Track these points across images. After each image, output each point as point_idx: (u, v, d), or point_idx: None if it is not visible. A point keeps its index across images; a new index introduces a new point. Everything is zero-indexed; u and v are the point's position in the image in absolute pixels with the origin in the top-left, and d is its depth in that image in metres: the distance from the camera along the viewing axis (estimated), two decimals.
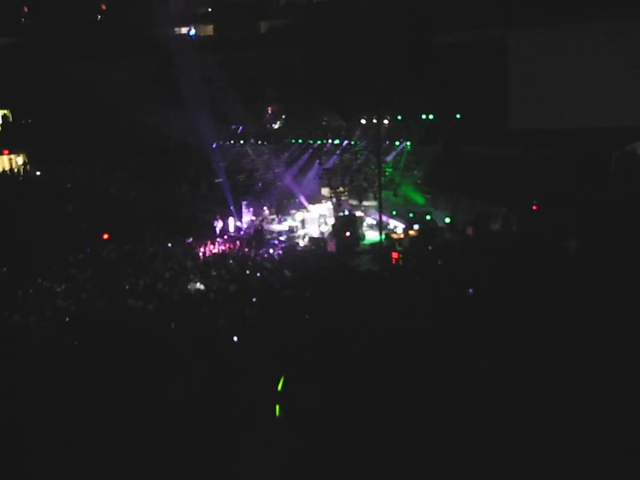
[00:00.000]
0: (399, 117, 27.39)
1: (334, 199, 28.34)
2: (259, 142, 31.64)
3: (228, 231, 28.48)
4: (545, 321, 13.56)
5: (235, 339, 13.20)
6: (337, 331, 13.39)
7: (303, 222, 28.15)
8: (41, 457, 9.15)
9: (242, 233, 28.55)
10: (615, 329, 12.82)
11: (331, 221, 26.99)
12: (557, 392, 10.37)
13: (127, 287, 18.51)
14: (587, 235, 20.43)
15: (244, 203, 29.83)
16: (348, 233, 25.19)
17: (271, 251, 24.91)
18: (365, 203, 27.97)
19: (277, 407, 10.26)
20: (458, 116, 26.49)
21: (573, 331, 12.93)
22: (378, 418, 9.85)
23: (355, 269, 21.89)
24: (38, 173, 31.44)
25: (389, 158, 28.15)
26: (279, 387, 10.67)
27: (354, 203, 28.08)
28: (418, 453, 9.10)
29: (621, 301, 14.60)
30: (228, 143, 32.16)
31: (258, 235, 27.42)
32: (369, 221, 27.81)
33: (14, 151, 32.32)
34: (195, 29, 35.15)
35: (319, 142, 29.79)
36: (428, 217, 26.28)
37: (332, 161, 29.59)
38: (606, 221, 20.58)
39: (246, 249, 24.77)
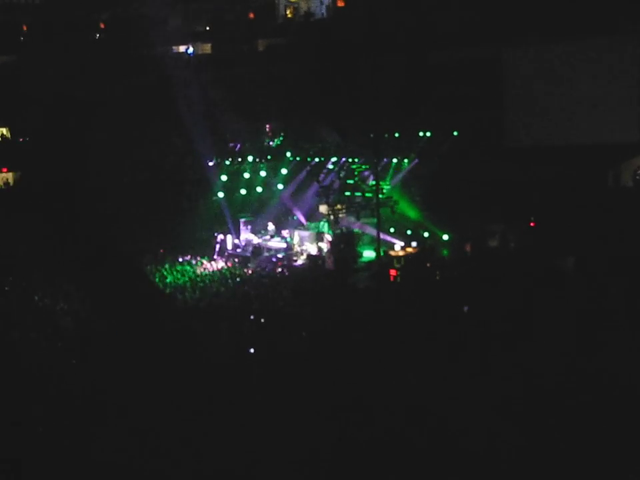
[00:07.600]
0: (397, 134, 27.52)
1: (332, 216, 28.30)
2: (257, 159, 31.63)
3: (226, 249, 28.44)
4: (542, 337, 13.60)
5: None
6: (335, 347, 13.39)
7: (300, 239, 28.10)
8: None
9: (240, 250, 28.50)
10: (613, 344, 12.87)
11: (329, 238, 26.97)
12: (558, 404, 10.43)
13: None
14: (585, 251, 20.49)
15: (242, 220, 29.79)
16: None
17: (269, 268, 24.90)
18: (363, 220, 27.94)
19: None
20: (455, 133, 26.61)
21: (570, 345, 12.98)
22: (377, 429, 9.88)
23: (353, 286, 21.89)
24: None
25: (387, 175, 28.21)
26: None
27: (352, 220, 28.05)
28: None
29: (618, 316, 14.66)
30: (226, 160, 32.16)
31: (256, 253, 27.39)
32: (367, 238, 27.77)
33: (11, 169, 32.29)
34: (192, 47, 35.35)
35: (316, 159, 29.80)
36: (426, 234, 26.29)
37: (330, 179, 29.59)
38: (603, 237, 20.64)
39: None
